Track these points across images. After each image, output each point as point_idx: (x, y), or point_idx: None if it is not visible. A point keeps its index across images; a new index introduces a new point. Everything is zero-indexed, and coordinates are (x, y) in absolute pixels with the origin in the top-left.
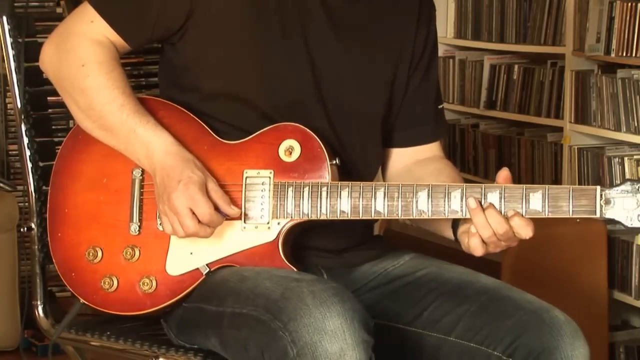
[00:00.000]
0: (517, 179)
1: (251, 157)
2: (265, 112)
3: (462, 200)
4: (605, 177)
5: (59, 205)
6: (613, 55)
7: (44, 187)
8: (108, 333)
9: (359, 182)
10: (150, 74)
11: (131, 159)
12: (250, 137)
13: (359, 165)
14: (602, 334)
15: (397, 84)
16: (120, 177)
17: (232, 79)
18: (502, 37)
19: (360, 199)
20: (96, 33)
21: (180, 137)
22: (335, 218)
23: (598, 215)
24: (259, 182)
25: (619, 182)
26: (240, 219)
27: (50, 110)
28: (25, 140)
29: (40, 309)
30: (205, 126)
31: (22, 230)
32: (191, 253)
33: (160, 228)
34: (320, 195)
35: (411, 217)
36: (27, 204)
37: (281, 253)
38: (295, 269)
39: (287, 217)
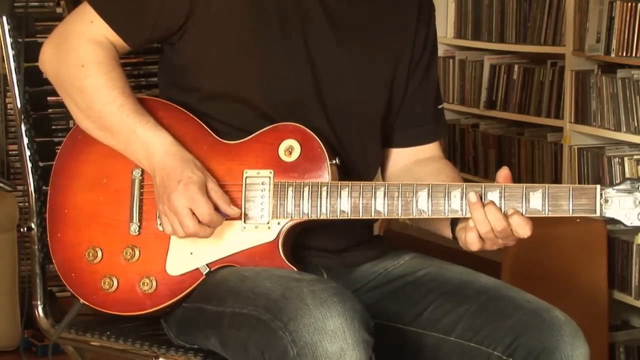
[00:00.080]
0: (517, 178)
1: (251, 157)
2: (264, 112)
3: (462, 199)
4: (605, 177)
5: (59, 205)
6: (613, 55)
7: (44, 187)
8: (108, 333)
9: (359, 182)
10: (150, 74)
11: (131, 159)
12: (250, 137)
13: (358, 165)
14: (602, 334)
15: (397, 84)
16: (120, 177)
17: (232, 79)
18: (502, 37)
19: (360, 198)
20: (96, 33)
21: (180, 137)
22: (335, 218)
23: (598, 214)
24: (258, 182)
25: (619, 182)
26: (240, 219)
27: (50, 110)
28: (25, 140)
29: (40, 309)
30: (205, 126)
31: (22, 230)
32: (191, 253)
33: (160, 228)
34: (320, 195)
35: (411, 217)
36: (27, 204)
37: (281, 253)
38: (295, 269)
39: (287, 217)
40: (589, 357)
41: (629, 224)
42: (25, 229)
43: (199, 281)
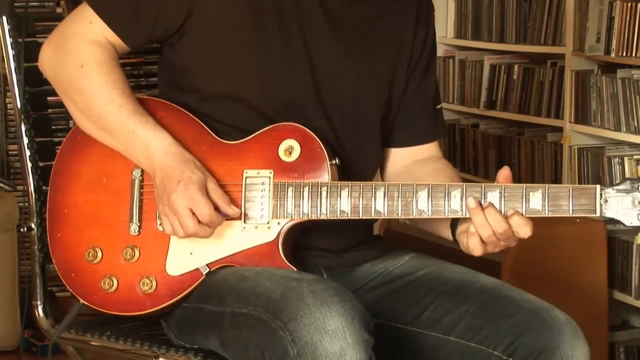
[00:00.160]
0: (517, 179)
1: (251, 157)
2: (264, 112)
3: (462, 199)
4: (605, 177)
5: (59, 205)
6: (613, 55)
7: (44, 187)
8: (108, 333)
9: (358, 182)
10: (150, 74)
11: (131, 160)
12: (250, 137)
13: (357, 165)
14: (602, 334)
15: (396, 84)
16: (119, 177)
17: (231, 79)
18: (502, 37)
19: (360, 198)
20: (95, 34)
21: (179, 138)
22: (335, 218)
23: (598, 214)
24: (258, 182)
25: (618, 182)
26: (240, 219)
27: (50, 110)
28: (25, 140)
29: (40, 309)
30: (205, 126)
31: (22, 230)
32: (191, 253)
33: (160, 228)
34: (320, 195)
35: (411, 217)
36: (27, 204)
37: (281, 253)
38: (295, 269)
39: (287, 217)
40: (589, 357)
41: (628, 224)
42: (25, 229)
43: (199, 281)
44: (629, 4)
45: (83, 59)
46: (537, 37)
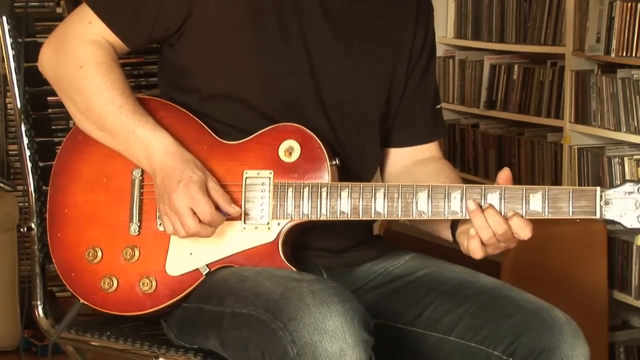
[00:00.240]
0: (517, 179)
1: (251, 158)
2: (264, 112)
3: (462, 201)
4: (605, 177)
5: (59, 205)
6: (613, 55)
7: (44, 187)
8: (108, 333)
9: (358, 183)
10: (150, 74)
11: (131, 160)
12: (250, 137)
13: (357, 165)
14: (602, 334)
15: (396, 84)
16: (120, 177)
17: (231, 80)
18: (502, 37)
19: (360, 199)
20: (94, 34)
21: (180, 138)
22: (335, 219)
23: (598, 216)
24: (258, 183)
25: (619, 183)
26: (240, 219)
27: (50, 110)
28: (25, 140)
29: (40, 309)
30: (205, 126)
31: (22, 230)
32: (191, 253)
33: (161, 228)
34: (320, 195)
35: (411, 218)
36: (27, 204)
37: (281, 254)
38: (295, 269)
39: (287, 218)
40: (589, 357)
41: (628, 226)
42: (25, 229)
43: (199, 281)
44: (629, 4)
45: (82, 60)
46: (537, 37)
